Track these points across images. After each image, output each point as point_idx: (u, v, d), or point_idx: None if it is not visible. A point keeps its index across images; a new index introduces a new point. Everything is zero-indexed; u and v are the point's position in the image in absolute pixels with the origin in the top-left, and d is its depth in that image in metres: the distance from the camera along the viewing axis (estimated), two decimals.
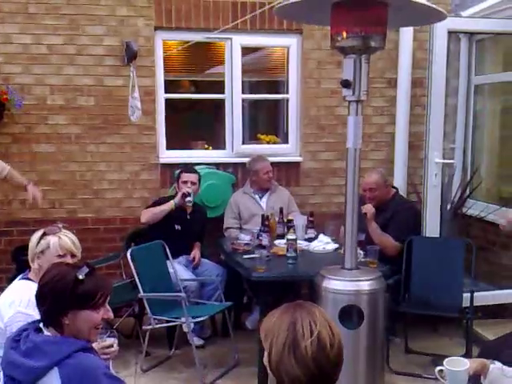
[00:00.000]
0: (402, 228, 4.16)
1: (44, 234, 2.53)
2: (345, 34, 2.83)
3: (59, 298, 1.87)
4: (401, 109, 4.99)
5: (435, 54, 4.02)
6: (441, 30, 4.02)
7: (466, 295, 3.83)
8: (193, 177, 4.41)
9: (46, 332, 1.90)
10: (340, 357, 1.52)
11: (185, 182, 4.38)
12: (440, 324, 4.40)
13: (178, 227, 4.37)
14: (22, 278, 2.54)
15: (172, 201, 4.31)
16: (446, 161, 4.32)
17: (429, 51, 4.14)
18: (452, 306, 3.85)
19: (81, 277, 1.90)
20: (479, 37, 4.87)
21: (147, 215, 4.30)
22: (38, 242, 2.52)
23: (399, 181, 4.92)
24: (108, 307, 1.97)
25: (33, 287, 2.41)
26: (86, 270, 1.93)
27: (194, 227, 4.42)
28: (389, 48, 4.87)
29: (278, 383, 1.52)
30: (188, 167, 4.55)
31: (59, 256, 2.47)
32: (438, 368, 2.21)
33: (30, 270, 2.57)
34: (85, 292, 1.89)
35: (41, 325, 1.93)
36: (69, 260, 2.45)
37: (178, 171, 4.60)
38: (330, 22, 2.87)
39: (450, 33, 4.22)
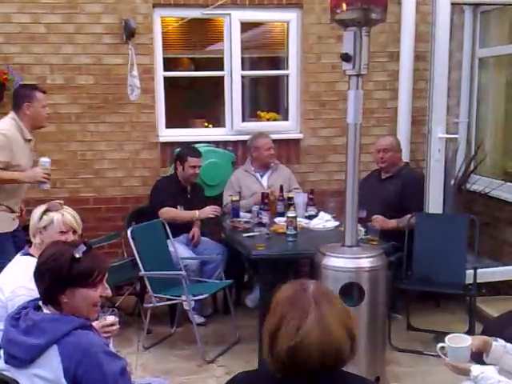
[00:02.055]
0: (420, 200, 4.18)
1: (47, 210, 2.55)
2: (344, 7, 2.79)
3: (57, 276, 1.87)
4: (403, 83, 4.93)
5: (438, 26, 3.94)
6: (443, 1, 3.94)
7: (470, 272, 3.82)
8: (200, 161, 4.41)
9: (46, 310, 1.91)
10: (339, 357, 1.46)
11: (193, 167, 4.36)
12: (443, 301, 4.40)
13: (180, 208, 4.36)
14: (23, 254, 2.56)
15: (196, 212, 4.27)
16: (449, 135, 4.27)
17: (431, 24, 4.06)
18: (455, 282, 3.83)
19: (78, 255, 1.89)
20: (484, 8, 4.77)
21: (168, 215, 4.23)
22: (41, 218, 2.54)
23: (402, 156, 4.87)
24: (106, 285, 1.97)
25: (34, 262, 2.42)
26: (83, 248, 1.92)
27: (195, 206, 4.41)
28: (390, 21, 4.82)
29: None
30: (193, 151, 4.49)
31: (62, 232, 2.49)
32: (440, 345, 2.21)
33: (30, 246, 2.59)
34: (82, 270, 1.89)
35: (40, 303, 1.93)
36: (70, 236, 2.46)
37: (178, 150, 4.58)
38: None
39: (453, 4, 4.14)
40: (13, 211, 3.66)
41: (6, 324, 1.91)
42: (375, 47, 4.90)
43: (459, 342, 2.15)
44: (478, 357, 2.20)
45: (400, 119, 4.98)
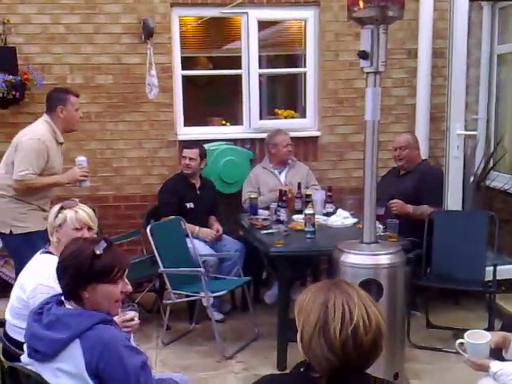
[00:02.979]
0: (435, 192, 4.20)
1: (61, 208, 2.59)
2: (362, 4, 2.79)
3: (78, 272, 1.90)
4: (421, 80, 4.90)
5: (455, 23, 3.92)
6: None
7: (489, 269, 3.79)
8: (191, 153, 4.40)
9: (68, 305, 1.94)
10: (375, 344, 1.44)
11: (184, 158, 4.41)
12: (462, 298, 4.37)
13: (189, 205, 4.39)
14: (43, 252, 2.61)
15: (196, 228, 4.31)
16: (468, 132, 4.25)
17: (449, 21, 4.04)
18: (474, 279, 3.81)
19: (98, 252, 1.93)
20: (502, 4, 4.73)
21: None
22: (56, 216, 2.58)
23: (421, 153, 4.85)
24: (126, 281, 2.00)
25: (53, 260, 2.47)
26: (103, 244, 1.96)
27: (205, 202, 4.45)
28: (409, 18, 4.79)
29: (308, 363, 1.48)
30: (190, 143, 4.54)
31: (76, 229, 2.52)
32: (459, 341, 2.21)
33: (49, 244, 2.63)
34: (102, 266, 1.92)
35: (62, 298, 1.96)
36: (86, 233, 2.50)
37: None
38: None
39: (472, 0, 4.11)
40: (44, 210, 3.71)
41: (29, 319, 1.96)
42: (393, 44, 4.89)
43: (478, 338, 2.15)
44: (498, 353, 2.20)
45: (418, 116, 4.96)
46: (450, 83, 4.02)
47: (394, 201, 4.09)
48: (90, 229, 2.58)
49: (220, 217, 4.61)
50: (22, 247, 3.62)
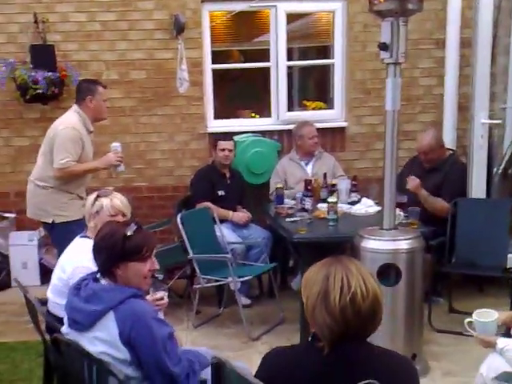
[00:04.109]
0: (455, 189, 4.23)
1: (98, 197, 2.79)
2: None
3: (111, 252, 2.10)
4: (449, 70, 4.92)
5: (480, 11, 3.95)
6: None
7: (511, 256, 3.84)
8: (229, 144, 4.57)
9: (103, 281, 2.14)
10: (373, 311, 1.58)
11: (222, 150, 4.55)
12: (486, 285, 4.41)
13: (221, 193, 4.56)
14: (81, 237, 2.82)
15: (230, 213, 4.51)
16: (492, 121, 4.26)
17: (474, 10, 4.07)
18: (497, 266, 3.86)
19: (129, 233, 2.11)
20: None
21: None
22: (93, 204, 2.78)
23: (448, 143, 4.88)
24: (154, 259, 2.19)
25: (90, 243, 2.67)
26: (133, 227, 2.14)
27: (234, 191, 4.63)
28: (436, 8, 4.84)
29: (313, 333, 1.64)
30: (224, 135, 4.70)
31: (111, 216, 2.71)
32: (468, 320, 2.31)
33: (87, 229, 2.83)
34: (133, 246, 2.11)
35: (98, 275, 2.16)
36: (120, 219, 2.69)
37: None
38: None
39: None
40: (82, 198, 3.92)
41: (69, 294, 2.16)
42: (421, 34, 4.95)
43: (486, 316, 2.25)
44: (508, 332, 2.29)
45: (446, 106, 4.98)
46: (474, 72, 4.05)
47: (414, 177, 4.13)
48: (123, 215, 2.77)
49: (247, 206, 4.77)
50: (64, 235, 3.84)
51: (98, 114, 4.00)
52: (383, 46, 3.02)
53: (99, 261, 2.14)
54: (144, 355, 2.03)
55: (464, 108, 4.97)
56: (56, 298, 2.73)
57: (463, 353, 3.46)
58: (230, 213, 4.51)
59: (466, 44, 4.90)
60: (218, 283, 4.09)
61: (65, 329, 2.17)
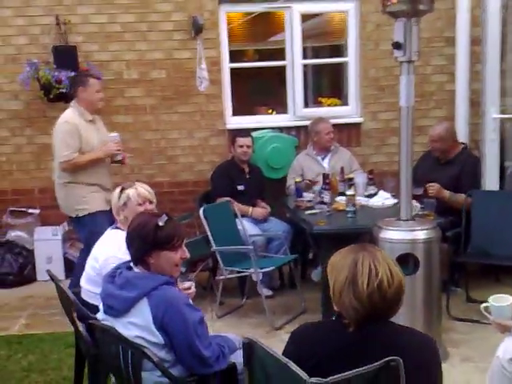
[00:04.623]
0: (472, 182, 4.35)
1: (123, 189, 2.93)
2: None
3: (144, 241, 2.23)
4: (460, 66, 5.03)
5: (488, 11, 4.05)
6: None
7: None
8: (247, 140, 4.70)
9: (136, 269, 2.28)
10: (397, 296, 1.71)
11: (241, 146, 4.68)
12: (501, 274, 4.50)
13: (240, 187, 4.70)
14: (113, 228, 2.95)
15: (250, 209, 4.64)
16: (503, 115, 4.35)
17: (482, 9, 4.16)
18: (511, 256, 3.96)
19: (161, 224, 2.25)
20: None
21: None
22: (119, 197, 2.92)
23: (461, 137, 4.97)
24: (184, 248, 2.32)
25: (121, 234, 2.83)
26: (165, 218, 2.28)
27: (254, 185, 4.77)
28: (446, 7, 4.94)
29: (338, 313, 1.77)
30: (242, 131, 4.84)
31: (139, 204, 2.86)
32: (484, 304, 2.42)
33: (117, 221, 2.97)
34: (165, 236, 2.24)
35: (131, 264, 2.30)
36: (148, 206, 2.84)
37: None
38: None
39: None
40: (107, 190, 4.07)
41: (104, 282, 2.30)
42: (432, 33, 5.05)
43: (502, 301, 2.36)
44: None
45: (458, 101, 5.08)
46: (484, 69, 4.15)
47: (432, 184, 4.24)
48: (150, 202, 2.92)
49: (267, 200, 4.90)
50: (89, 228, 4.03)
51: (92, 104, 4.14)
52: (397, 45, 3.12)
53: (133, 250, 2.27)
54: (176, 339, 2.15)
55: (475, 103, 5.07)
56: (89, 286, 2.89)
57: (481, 340, 3.56)
58: (250, 209, 4.65)
59: (476, 42, 4.98)
60: (241, 274, 4.23)
61: (100, 315, 2.31)
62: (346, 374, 1.62)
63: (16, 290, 4.89)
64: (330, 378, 1.63)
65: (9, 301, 4.68)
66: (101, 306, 2.33)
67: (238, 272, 4.21)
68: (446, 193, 4.29)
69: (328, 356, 1.73)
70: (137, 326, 2.17)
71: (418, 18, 3.04)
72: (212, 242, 4.16)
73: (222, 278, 4.22)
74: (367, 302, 1.68)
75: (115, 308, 2.22)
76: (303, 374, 1.67)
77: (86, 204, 4.09)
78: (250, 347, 1.88)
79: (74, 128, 4.00)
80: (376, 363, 1.62)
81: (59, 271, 4.99)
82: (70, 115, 4.08)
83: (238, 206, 4.55)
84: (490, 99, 4.16)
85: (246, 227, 4.50)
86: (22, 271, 5.03)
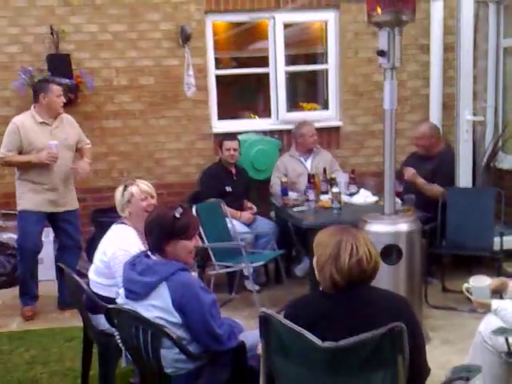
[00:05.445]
0: (447, 176, 4.70)
1: (125, 187, 3.13)
2: (379, 11, 3.27)
3: (162, 231, 2.44)
4: (434, 72, 5.39)
5: (462, 20, 4.40)
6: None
7: (497, 239, 4.24)
8: (234, 144, 4.93)
9: (153, 257, 2.48)
10: (374, 272, 2.05)
11: (228, 149, 4.90)
12: (474, 267, 4.81)
13: (228, 188, 4.92)
14: (119, 223, 3.13)
15: (239, 213, 4.85)
16: (475, 118, 4.72)
17: (456, 19, 4.51)
18: (484, 248, 4.28)
19: (177, 215, 2.46)
20: (506, 2, 5.17)
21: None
22: (123, 195, 3.11)
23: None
24: (197, 238, 2.54)
25: (127, 229, 3.03)
26: (180, 210, 2.49)
27: (241, 186, 5.00)
28: (421, 17, 5.25)
29: (321, 282, 2.06)
30: (229, 135, 5.06)
31: (142, 199, 3.05)
32: (465, 285, 2.69)
33: (122, 218, 3.15)
34: (181, 226, 2.45)
35: (148, 252, 2.51)
36: (150, 201, 3.04)
37: None
38: (366, 1, 3.32)
39: (478, 2, 4.56)
40: (55, 189, 4.28)
41: (126, 268, 2.50)
42: (408, 40, 5.36)
43: (481, 282, 2.64)
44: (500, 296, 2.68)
45: (432, 105, 5.44)
46: (458, 74, 4.49)
47: (408, 168, 4.57)
48: (152, 197, 3.12)
49: (252, 200, 5.13)
50: (18, 223, 4.41)
51: (52, 109, 4.29)
52: (381, 53, 3.41)
53: (151, 239, 2.48)
54: (193, 319, 2.36)
55: (448, 107, 5.43)
56: (98, 278, 3.06)
57: (457, 325, 3.87)
58: (239, 213, 4.86)
59: (449, 49, 5.35)
60: (232, 269, 4.45)
61: (121, 300, 2.51)
62: (354, 338, 1.87)
63: (10, 290, 4.99)
64: (341, 342, 1.87)
65: (3, 300, 4.80)
66: (121, 292, 2.52)
67: (229, 267, 4.42)
68: (420, 179, 4.60)
69: (316, 316, 2.01)
70: (157, 307, 2.36)
71: (401, 27, 3.33)
72: (204, 238, 4.36)
73: (214, 272, 4.43)
74: (347, 275, 2.00)
75: (136, 292, 2.41)
76: (316, 340, 1.91)
77: (21, 200, 4.33)
78: (265, 320, 2.11)
79: (15, 128, 4.20)
80: (381, 329, 1.87)
81: (50, 272, 5.04)
82: (20, 117, 4.30)
83: (228, 210, 4.74)
84: (463, 102, 4.51)
85: (235, 225, 4.72)
86: (14, 272, 5.13)
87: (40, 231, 4.45)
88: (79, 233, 4.59)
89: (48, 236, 5.23)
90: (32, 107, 4.30)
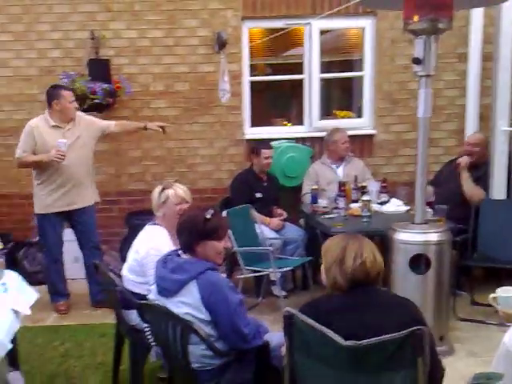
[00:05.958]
0: (485, 187, 4.66)
1: (163, 189, 3.21)
2: (416, 18, 3.27)
3: (193, 231, 2.51)
4: (471, 82, 5.30)
5: (502, 29, 4.33)
6: (507, 8, 4.33)
7: None
8: (272, 152, 5.02)
9: (184, 256, 2.55)
10: (378, 275, 2.14)
11: (267, 158, 4.96)
12: (506, 281, 4.73)
13: (258, 195, 4.97)
14: (152, 224, 3.22)
15: (268, 219, 4.89)
16: (511, 128, 4.64)
17: (495, 27, 4.45)
18: None
19: (208, 216, 2.53)
20: None
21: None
22: (159, 196, 3.21)
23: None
24: (227, 239, 2.59)
25: (160, 230, 3.11)
26: (211, 211, 2.56)
27: (271, 193, 5.04)
28: (460, 25, 5.22)
29: (328, 285, 2.17)
30: (265, 144, 5.10)
31: (176, 204, 3.14)
32: (492, 295, 2.65)
33: (155, 218, 3.24)
34: (211, 227, 2.52)
35: (179, 252, 2.57)
36: (184, 206, 3.13)
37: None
38: (403, 8, 3.32)
39: None
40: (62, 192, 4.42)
41: (158, 266, 2.58)
42: (445, 49, 5.33)
43: (509, 292, 2.60)
44: None
45: (468, 115, 5.35)
46: (495, 84, 4.43)
47: (465, 156, 4.60)
48: (186, 202, 3.20)
49: (282, 207, 5.15)
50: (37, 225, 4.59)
51: (65, 115, 4.41)
52: (417, 61, 3.40)
53: (183, 239, 2.55)
54: (220, 317, 2.42)
55: (485, 117, 5.34)
56: (131, 275, 3.16)
57: (484, 338, 3.82)
58: (268, 219, 4.90)
59: (488, 58, 5.26)
60: (260, 274, 4.49)
61: (153, 296, 2.58)
62: (375, 339, 1.90)
63: (47, 286, 5.13)
64: (362, 341, 1.90)
65: (41, 296, 4.92)
66: (152, 288, 2.60)
67: (257, 271, 4.45)
68: (467, 174, 4.59)
69: (328, 311, 2.10)
70: (186, 304, 2.44)
71: (437, 35, 3.32)
72: (234, 242, 4.41)
73: (241, 276, 4.47)
74: (351, 276, 2.10)
75: (168, 289, 2.49)
76: (339, 339, 1.93)
77: (36, 202, 4.50)
78: (289, 318, 2.16)
79: (30, 129, 4.35)
80: (403, 332, 1.91)
81: (83, 271, 5.24)
82: (34, 120, 4.43)
83: (257, 216, 4.78)
84: (499, 113, 4.45)
85: (264, 231, 4.75)
86: None
87: (58, 231, 4.59)
88: (95, 233, 4.70)
89: None
90: (46, 111, 4.44)
